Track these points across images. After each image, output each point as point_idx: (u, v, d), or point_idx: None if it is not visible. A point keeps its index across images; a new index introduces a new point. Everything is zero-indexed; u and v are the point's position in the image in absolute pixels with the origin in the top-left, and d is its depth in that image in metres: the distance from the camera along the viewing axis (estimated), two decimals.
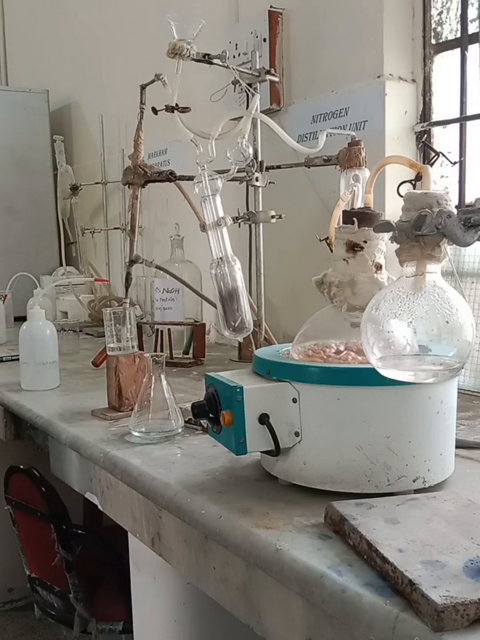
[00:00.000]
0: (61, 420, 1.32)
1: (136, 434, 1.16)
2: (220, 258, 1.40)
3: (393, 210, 1.48)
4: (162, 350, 1.87)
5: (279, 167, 1.69)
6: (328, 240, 1.02)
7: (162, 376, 1.19)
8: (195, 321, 1.97)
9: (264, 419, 0.87)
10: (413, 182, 0.82)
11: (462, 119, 1.62)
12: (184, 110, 1.51)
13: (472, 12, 1.58)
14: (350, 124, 1.73)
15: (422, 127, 1.68)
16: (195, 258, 2.06)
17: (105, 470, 1.12)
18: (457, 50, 1.62)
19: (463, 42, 1.60)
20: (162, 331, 1.90)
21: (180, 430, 1.18)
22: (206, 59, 1.53)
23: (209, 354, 1.93)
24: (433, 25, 1.67)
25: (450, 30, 1.65)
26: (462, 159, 1.63)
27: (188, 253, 2.09)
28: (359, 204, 1.09)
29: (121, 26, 2.74)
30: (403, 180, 0.82)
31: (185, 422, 1.23)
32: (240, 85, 1.62)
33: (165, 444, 1.14)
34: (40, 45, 3.49)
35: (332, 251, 1.00)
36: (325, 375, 0.86)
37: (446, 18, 1.66)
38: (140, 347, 1.70)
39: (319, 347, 0.95)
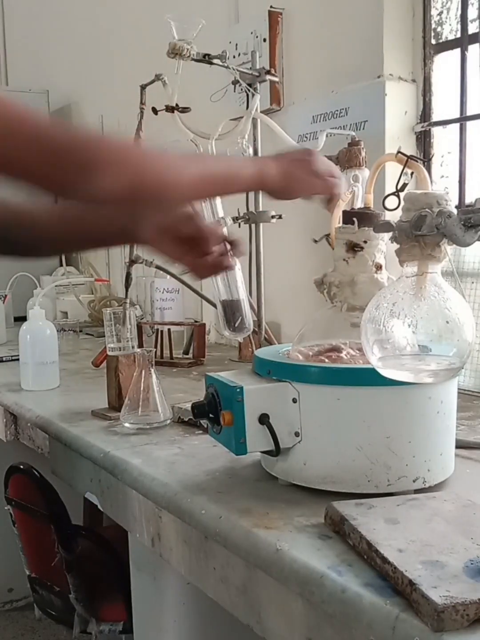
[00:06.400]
0: (61, 420, 1.32)
1: (127, 425, 1.23)
2: None
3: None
4: (162, 350, 1.87)
5: None
6: (328, 238, 1.03)
7: (152, 370, 1.25)
8: (195, 321, 1.97)
9: (264, 419, 0.87)
10: (397, 193, 0.83)
11: (462, 119, 1.62)
12: (184, 110, 1.51)
13: (472, 12, 1.58)
14: (350, 124, 1.73)
15: (422, 127, 1.68)
16: None
17: (105, 470, 1.12)
18: (457, 50, 1.62)
19: (463, 42, 1.60)
20: (162, 331, 1.90)
21: (168, 422, 1.24)
22: (206, 59, 1.53)
23: (209, 354, 1.93)
24: (433, 25, 1.67)
25: (450, 30, 1.65)
26: (462, 159, 1.63)
27: None
28: (359, 204, 1.09)
29: (121, 26, 2.74)
30: (389, 192, 0.83)
31: (185, 421, 1.24)
32: (240, 85, 1.62)
33: (165, 444, 1.14)
34: (40, 45, 3.48)
35: (333, 248, 1.01)
36: (325, 375, 0.86)
37: (446, 18, 1.65)
38: (140, 347, 1.70)
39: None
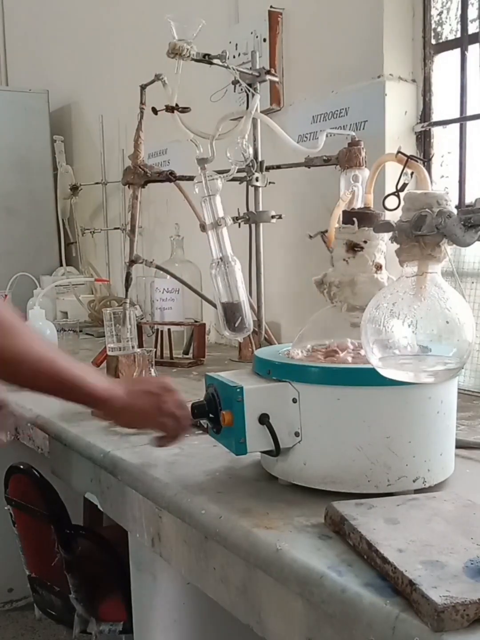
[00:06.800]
0: (61, 420, 1.32)
1: None
2: (220, 258, 1.40)
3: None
4: (162, 350, 1.87)
5: (278, 167, 1.69)
6: (324, 235, 1.02)
7: (152, 370, 1.26)
8: (195, 321, 1.97)
9: (264, 419, 0.87)
10: (397, 193, 0.83)
11: (462, 119, 1.62)
12: (184, 110, 1.51)
13: (472, 12, 1.58)
14: (350, 124, 1.73)
15: (422, 127, 1.68)
16: (195, 258, 2.06)
17: (105, 470, 1.12)
18: (457, 50, 1.62)
19: (463, 42, 1.60)
20: (162, 331, 1.90)
21: None
22: (206, 59, 1.53)
23: (209, 354, 1.93)
24: (433, 25, 1.67)
25: (450, 30, 1.65)
26: (462, 159, 1.63)
27: (188, 253, 2.09)
28: (359, 204, 1.09)
29: (121, 26, 2.74)
30: (389, 192, 0.83)
31: None
32: (240, 85, 1.62)
33: None
34: (40, 45, 3.48)
35: (328, 246, 1.00)
36: (325, 375, 0.86)
37: (446, 18, 1.65)
38: (140, 347, 1.70)
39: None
